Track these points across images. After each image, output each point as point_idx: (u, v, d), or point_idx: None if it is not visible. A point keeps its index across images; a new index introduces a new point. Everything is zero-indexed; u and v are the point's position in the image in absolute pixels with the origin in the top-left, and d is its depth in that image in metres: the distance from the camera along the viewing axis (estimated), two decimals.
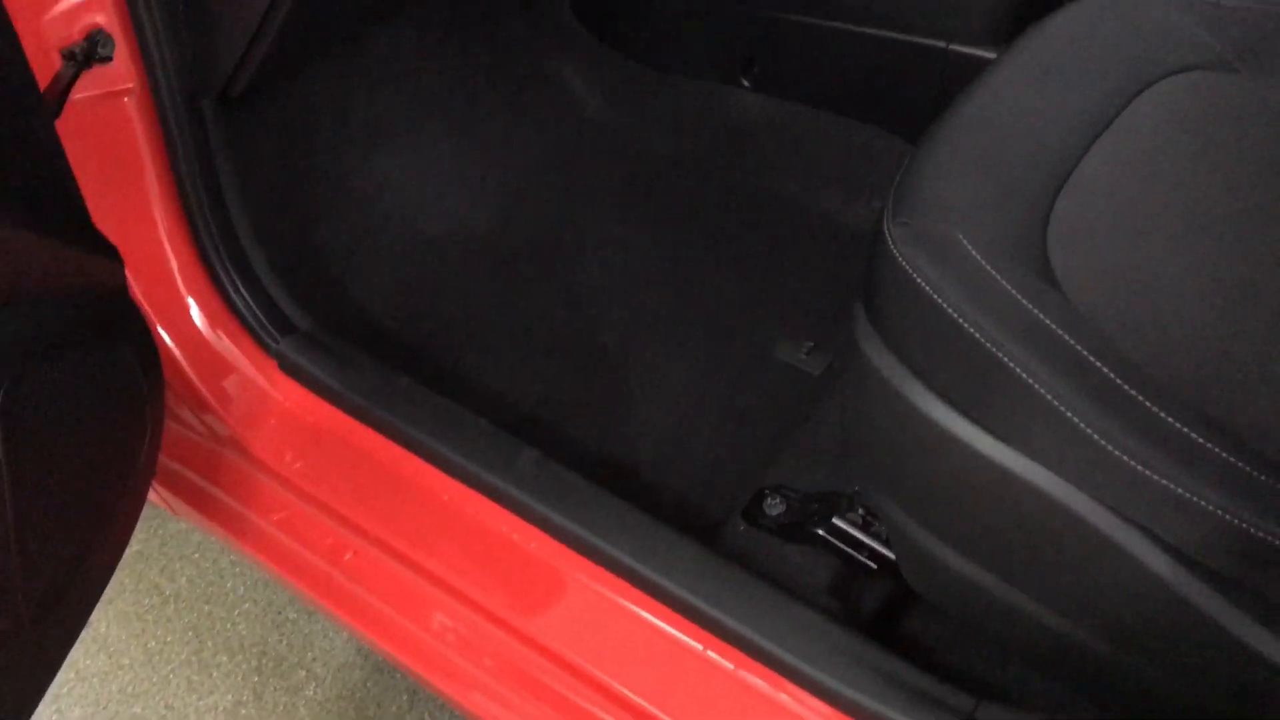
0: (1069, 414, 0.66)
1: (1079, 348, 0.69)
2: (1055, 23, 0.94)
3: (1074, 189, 0.81)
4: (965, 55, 1.19)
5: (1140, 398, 0.67)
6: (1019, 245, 0.76)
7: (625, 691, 0.88)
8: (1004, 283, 0.72)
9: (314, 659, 1.33)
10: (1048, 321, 0.70)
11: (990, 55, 1.17)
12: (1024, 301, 0.71)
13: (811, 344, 1.18)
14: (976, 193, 0.79)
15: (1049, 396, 0.67)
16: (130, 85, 0.91)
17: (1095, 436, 0.66)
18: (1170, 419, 0.66)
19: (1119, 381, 0.68)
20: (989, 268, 0.74)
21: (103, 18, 0.87)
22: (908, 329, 0.76)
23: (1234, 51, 0.91)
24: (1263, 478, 0.64)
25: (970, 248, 0.74)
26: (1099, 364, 0.69)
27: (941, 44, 1.20)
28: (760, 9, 1.29)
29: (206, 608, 1.38)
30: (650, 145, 1.41)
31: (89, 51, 0.88)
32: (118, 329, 0.87)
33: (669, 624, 0.88)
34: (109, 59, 0.89)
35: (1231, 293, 0.76)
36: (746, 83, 1.37)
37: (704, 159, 1.39)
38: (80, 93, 0.89)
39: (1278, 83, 0.90)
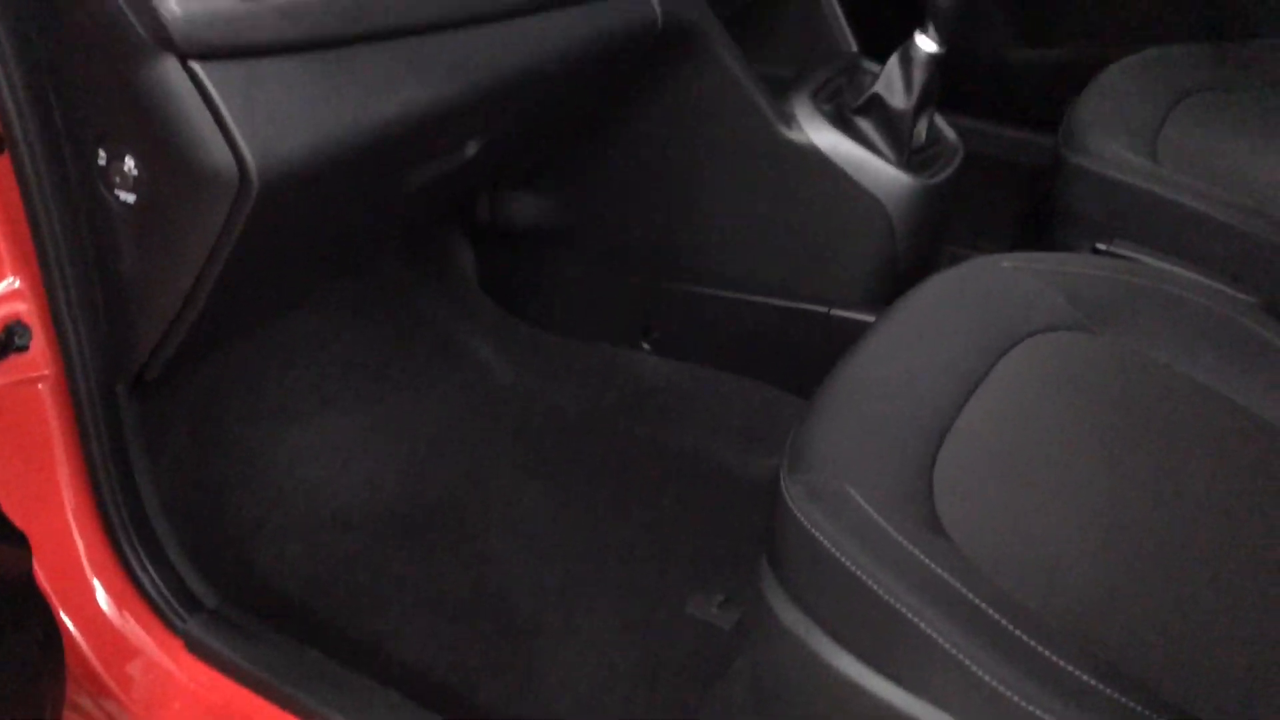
0: (969, 663, 0.69)
1: (973, 596, 0.73)
2: (926, 289, 1.03)
3: (954, 442, 0.87)
4: (846, 319, 1.28)
5: (1034, 643, 0.70)
6: (908, 497, 0.81)
7: None
8: (896, 535, 0.76)
9: None
10: (941, 572, 0.74)
11: (868, 318, 1.27)
12: (917, 553, 0.75)
13: (723, 597, 1.20)
14: (865, 448, 0.85)
15: (948, 646, 0.70)
16: (45, 372, 0.93)
17: (996, 684, 0.68)
18: (1064, 663, 0.69)
19: (1013, 628, 0.71)
20: (881, 520, 0.78)
21: (23, 307, 0.91)
22: (811, 582, 0.79)
23: (1086, 314, 1.01)
24: (1157, 718, 0.67)
25: (862, 501, 0.79)
26: (993, 612, 0.72)
27: (823, 309, 1.29)
28: (655, 280, 1.38)
29: None
30: (557, 409, 1.46)
31: (5, 343, 0.90)
32: (18, 617, 0.86)
33: None
34: (25, 348, 0.92)
35: (1109, 534, 0.82)
36: (647, 346, 1.44)
37: (609, 420, 1.44)
38: None
39: (1124, 341, 0.99)
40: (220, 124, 0.76)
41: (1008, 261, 1.06)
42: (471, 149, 1.01)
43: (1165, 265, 1.19)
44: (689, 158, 1.27)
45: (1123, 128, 1.36)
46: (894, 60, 1.20)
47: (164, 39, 0.73)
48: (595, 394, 1.47)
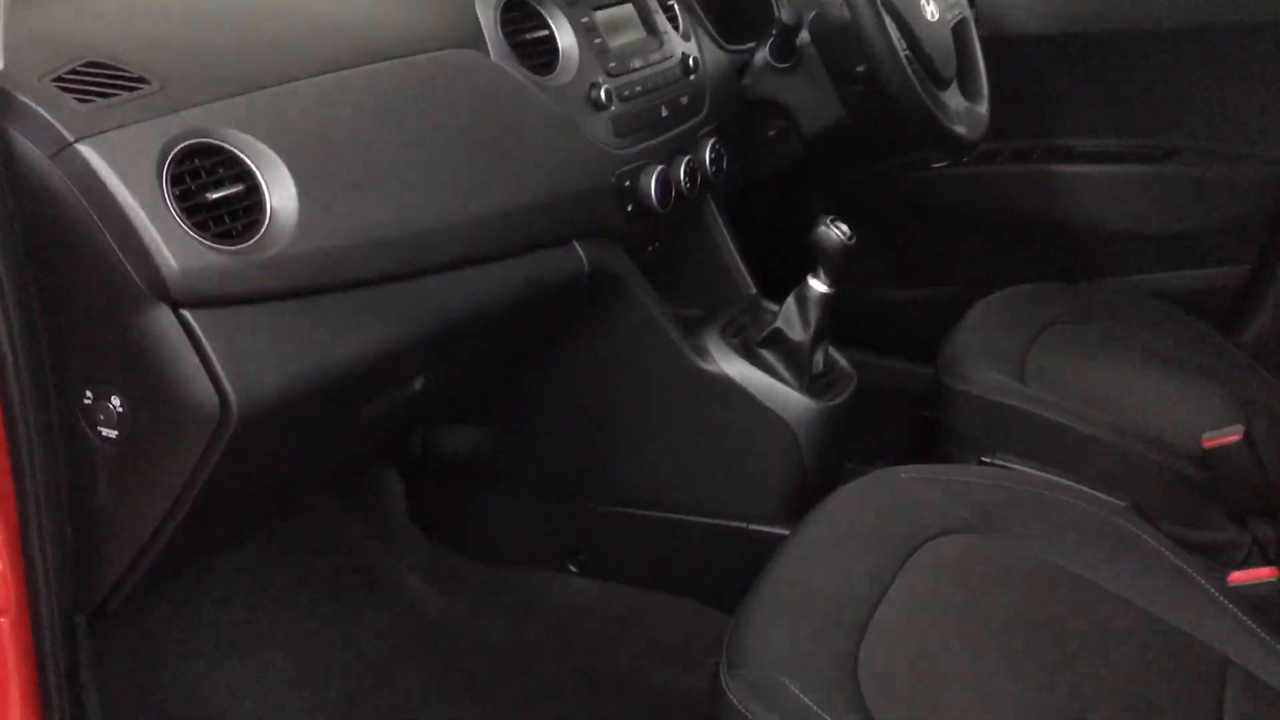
0: None
1: None
2: (837, 499, 1.14)
3: (874, 637, 0.96)
4: (762, 532, 1.38)
5: None
6: (838, 688, 0.89)
7: None
8: None
9: None
10: None
11: (784, 531, 1.36)
12: None
13: None
14: (796, 645, 0.93)
15: None
16: (7, 608, 0.96)
17: None
18: None
19: None
20: (817, 710, 0.85)
21: None
22: None
23: (978, 518, 1.12)
24: None
25: (798, 692, 0.86)
26: None
27: (742, 524, 1.39)
28: (582, 504, 1.47)
29: None
30: (488, 637, 1.50)
31: None
32: None
33: None
34: None
35: (1018, 713, 0.90)
36: (575, 569, 1.50)
37: (540, 645, 1.48)
38: None
39: (1014, 543, 1.10)
40: (206, 365, 0.85)
41: (906, 473, 1.18)
42: (418, 384, 1.11)
43: (1043, 474, 1.32)
44: (612, 389, 1.39)
45: (994, 356, 1.52)
46: (791, 300, 1.35)
47: (161, 291, 0.83)
48: (525, 621, 1.51)
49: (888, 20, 1.38)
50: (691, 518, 1.41)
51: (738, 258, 1.53)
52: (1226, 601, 1.08)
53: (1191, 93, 1.77)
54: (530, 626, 1.51)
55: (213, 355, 0.84)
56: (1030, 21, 1.80)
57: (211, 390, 0.85)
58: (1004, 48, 1.73)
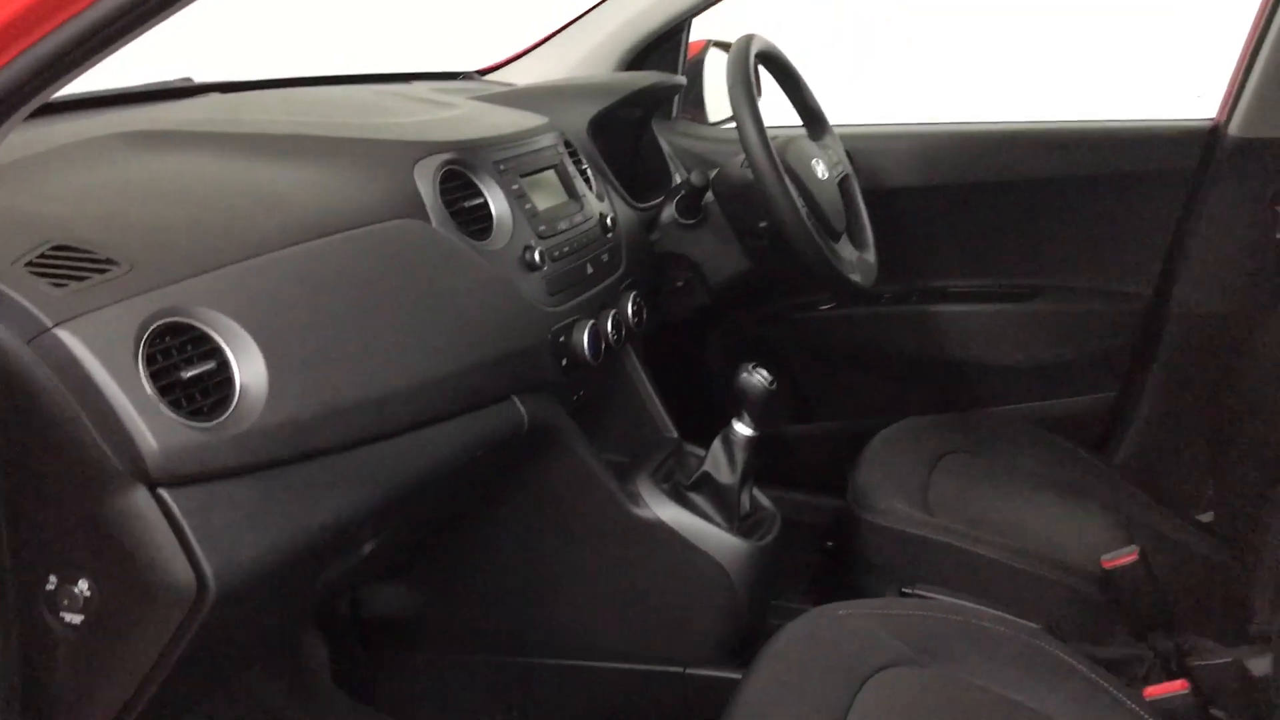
0: None
1: None
2: (781, 643, 1.17)
3: None
4: (700, 675, 1.40)
5: None
6: None
7: None
8: None
9: None
10: None
11: (722, 674, 1.39)
12: None
13: None
14: None
15: None
16: None
17: None
18: None
19: None
20: None
21: None
22: None
23: (914, 649, 1.18)
24: None
25: None
26: None
27: (679, 669, 1.41)
28: (514, 658, 1.46)
29: None
30: None
31: None
32: None
33: None
34: None
35: None
36: None
37: None
38: None
39: (948, 671, 1.16)
40: (183, 543, 0.84)
41: (844, 610, 1.23)
42: (368, 548, 1.11)
43: (962, 602, 1.39)
44: (547, 539, 1.40)
45: (899, 487, 1.61)
46: (717, 444, 1.41)
47: (140, 472, 0.82)
48: None
49: (787, 180, 1.49)
50: (628, 665, 1.42)
51: (658, 402, 1.58)
52: (1148, 717, 1.15)
53: (1051, 236, 1.94)
54: None
55: (190, 534, 0.84)
56: (902, 175, 1.95)
57: (188, 569, 0.84)
58: (881, 200, 1.87)
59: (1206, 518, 1.85)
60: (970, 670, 1.17)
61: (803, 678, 1.12)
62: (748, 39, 1.56)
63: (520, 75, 1.99)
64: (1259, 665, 1.37)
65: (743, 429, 1.39)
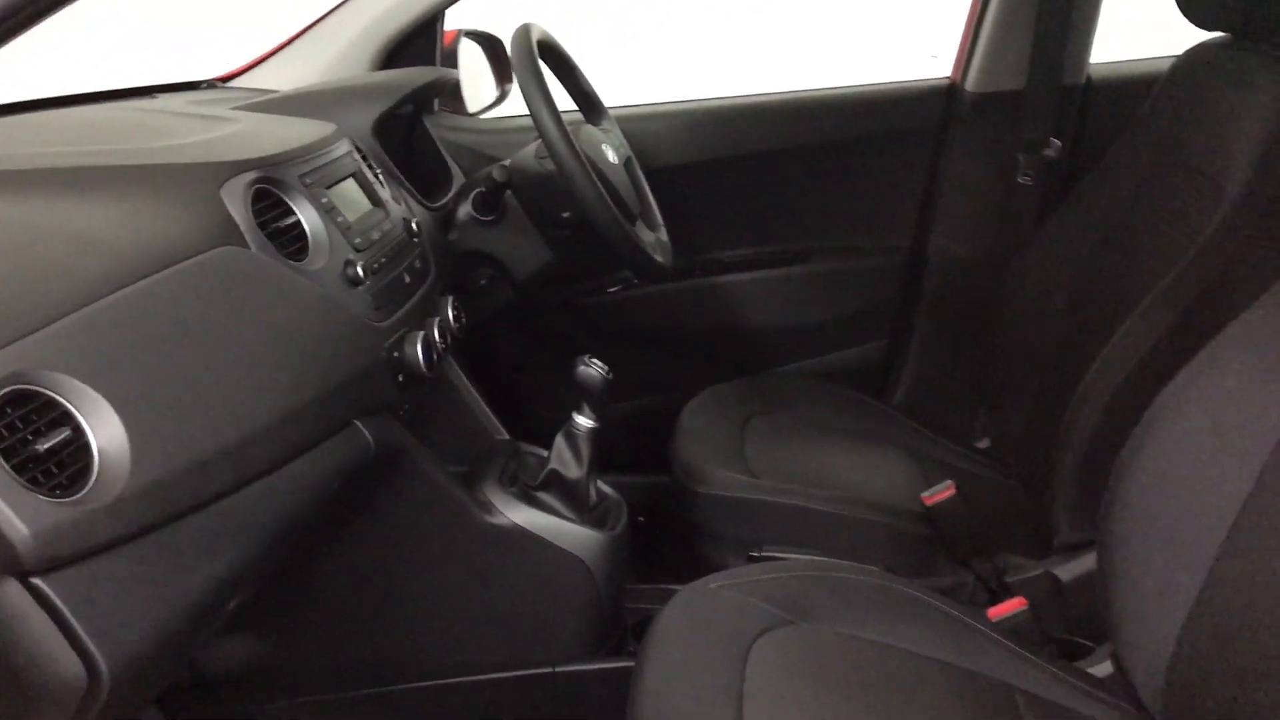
0: None
1: None
2: (664, 623, 1.18)
3: None
4: (569, 672, 1.40)
5: None
6: None
7: None
8: None
9: None
10: None
11: (589, 666, 1.39)
12: None
13: None
14: None
15: None
16: None
17: None
18: None
19: None
20: None
21: None
22: None
23: (785, 611, 1.22)
24: None
25: None
26: None
27: (548, 669, 1.40)
28: (375, 689, 1.40)
29: None
30: None
31: None
32: None
33: None
34: None
35: None
36: None
37: None
38: None
39: (821, 625, 1.21)
40: (67, 632, 0.76)
41: (714, 583, 1.26)
42: (234, 603, 1.03)
43: (814, 558, 1.46)
44: (401, 562, 1.35)
45: (720, 456, 1.66)
46: (560, 440, 1.40)
47: (10, 561, 0.73)
48: None
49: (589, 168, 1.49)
50: (496, 675, 1.40)
51: (484, 406, 1.55)
52: (997, 636, 1.25)
53: (815, 199, 2.04)
54: None
55: (74, 622, 0.76)
56: (669, 153, 2.00)
57: (77, 660, 0.76)
58: (652, 179, 1.91)
59: (983, 444, 2.02)
60: (840, 622, 1.23)
61: (692, 655, 1.14)
62: (526, 28, 1.54)
63: (268, 80, 1.88)
64: (1066, 572, 1.52)
65: (585, 421, 1.39)
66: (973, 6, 1.95)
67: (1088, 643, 1.44)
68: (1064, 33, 1.86)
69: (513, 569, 1.37)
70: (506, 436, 1.56)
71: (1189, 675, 1.07)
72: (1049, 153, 1.93)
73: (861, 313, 2.09)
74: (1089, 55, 1.94)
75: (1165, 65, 1.67)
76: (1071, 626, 1.47)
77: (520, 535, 1.35)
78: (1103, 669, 1.30)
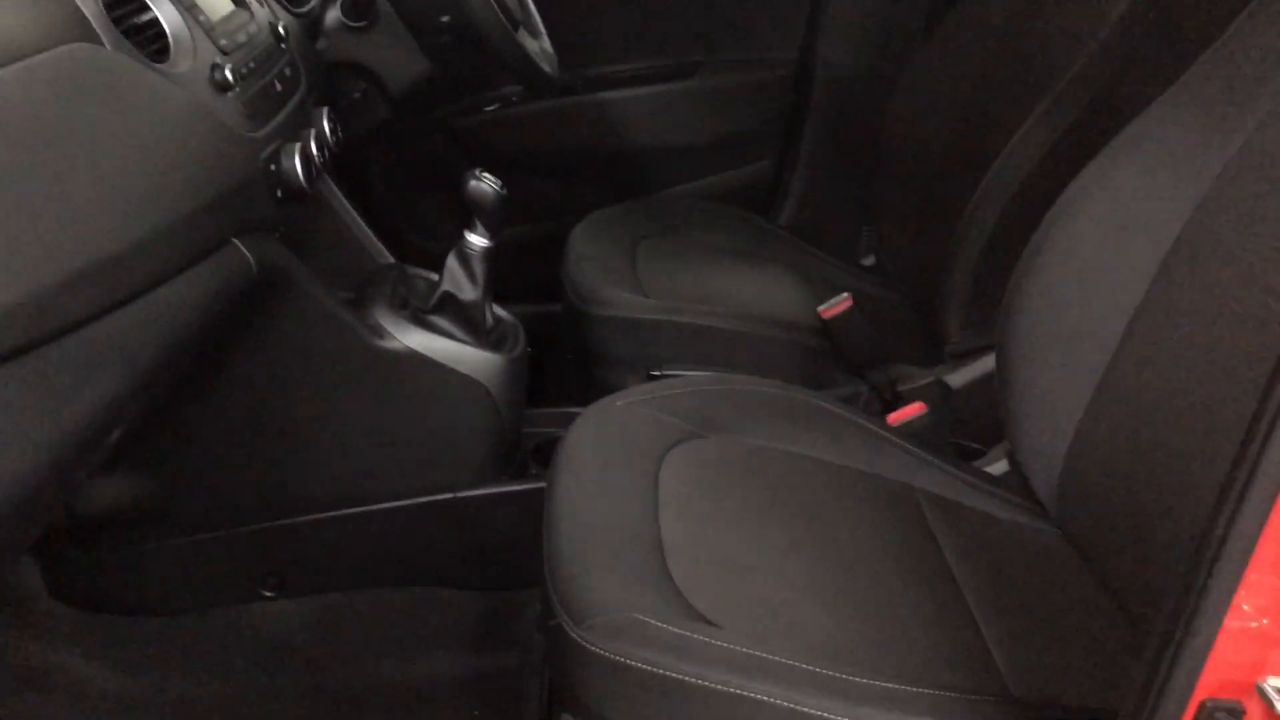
0: (802, 707, 0.83)
1: (778, 658, 0.87)
2: (572, 442, 1.16)
3: (671, 552, 1.01)
4: (471, 497, 1.37)
5: (843, 675, 0.86)
6: (677, 607, 0.93)
7: None
8: (699, 638, 0.88)
9: None
10: (743, 649, 0.88)
11: (492, 490, 1.37)
12: (722, 643, 0.88)
13: None
14: (624, 581, 0.96)
15: (785, 703, 0.83)
16: None
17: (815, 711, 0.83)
18: (863, 679, 0.86)
19: (822, 670, 0.87)
20: (676, 630, 0.89)
21: None
22: (639, 713, 0.87)
23: (693, 424, 1.21)
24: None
25: (657, 623, 0.89)
26: (796, 662, 0.87)
27: (449, 495, 1.37)
28: (267, 523, 1.35)
29: None
30: (185, 700, 1.35)
31: None
32: None
33: None
34: None
35: (815, 579, 1.01)
36: (270, 594, 1.39)
37: (246, 694, 1.35)
38: None
39: (731, 437, 1.21)
40: None
41: (620, 400, 1.23)
42: (115, 436, 0.96)
43: (708, 373, 1.44)
44: (289, 391, 1.28)
45: (613, 278, 1.62)
46: (453, 260, 1.33)
47: None
48: (222, 672, 1.37)
49: None
50: (395, 503, 1.36)
51: (366, 228, 1.46)
52: (898, 440, 1.27)
53: (701, 9, 1.96)
54: (229, 677, 1.37)
55: None
56: None
57: None
58: None
59: (868, 262, 2.03)
60: (748, 432, 1.23)
61: (604, 472, 1.13)
62: None
63: None
64: (955, 379, 1.55)
65: (478, 240, 1.33)
66: None
67: (978, 446, 1.47)
68: None
69: (408, 395, 1.31)
70: (391, 260, 1.48)
71: (1085, 464, 1.11)
72: None
73: (749, 131, 2.05)
74: None
75: None
76: (962, 431, 1.51)
77: (415, 360, 1.29)
78: (998, 468, 1.33)
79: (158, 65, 1.04)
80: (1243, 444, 0.64)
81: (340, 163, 1.55)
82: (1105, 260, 1.12)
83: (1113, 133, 1.16)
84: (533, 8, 1.68)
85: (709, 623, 0.93)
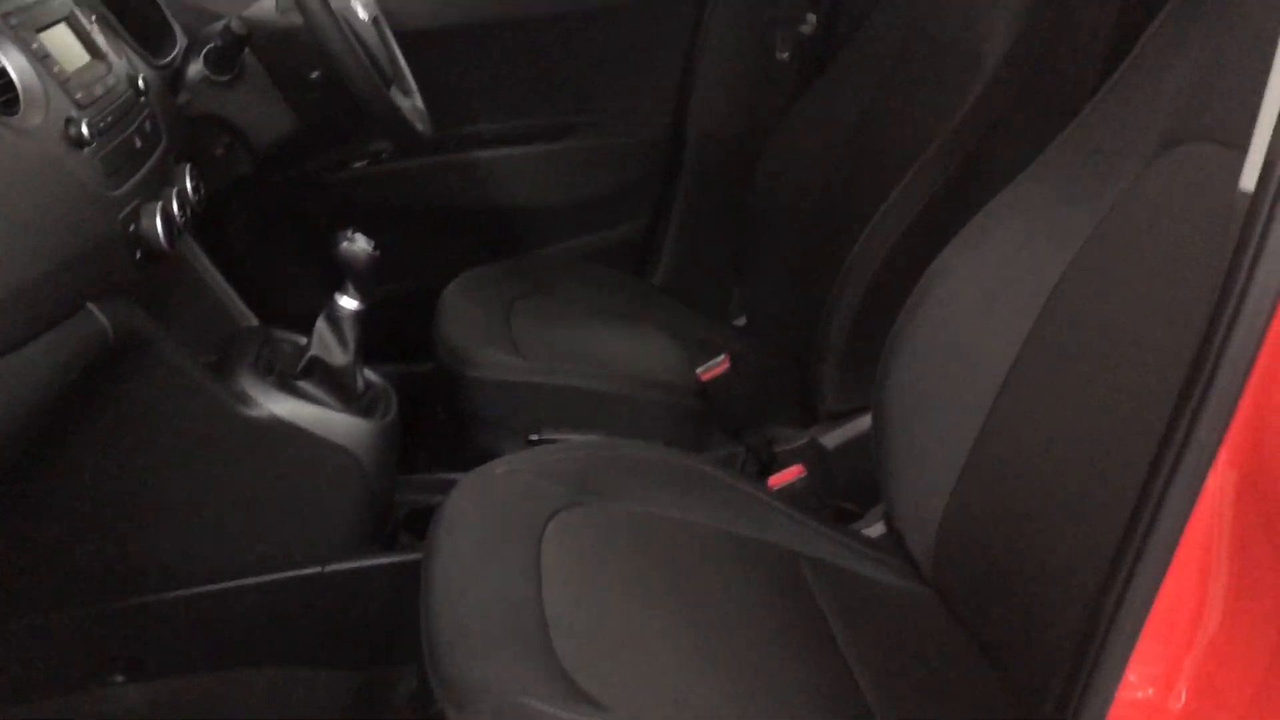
0: None
1: None
2: (451, 511, 1.12)
3: (555, 628, 0.98)
4: (341, 570, 1.31)
5: None
6: (564, 690, 0.90)
7: None
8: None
9: None
10: None
11: (357, 564, 1.32)
12: None
13: None
14: (510, 662, 0.92)
15: None
16: None
17: None
18: None
19: None
20: (566, 714, 0.86)
21: None
22: None
23: (573, 491, 1.19)
24: None
25: (544, 707, 0.86)
26: None
27: (317, 568, 1.30)
28: (119, 601, 1.26)
29: None
30: None
31: None
32: None
33: None
34: None
35: (701, 651, 0.99)
36: (121, 678, 1.30)
37: None
38: None
39: (611, 505, 1.18)
40: None
41: (499, 468, 1.20)
42: None
43: (587, 437, 1.42)
44: (150, 462, 1.21)
45: (487, 339, 1.59)
46: (322, 322, 1.28)
47: None
48: None
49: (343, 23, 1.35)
50: (259, 578, 1.29)
51: (229, 288, 1.40)
52: (780, 505, 1.27)
53: (575, 71, 1.96)
54: None
55: None
56: (424, 15, 1.85)
57: None
58: (403, 43, 1.77)
59: (740, 322, 2.05)
60: (629, 499, 1.21)
61: (483, 544, 1.09)
62: None
63: None
64: (831, 439, 1.57)
65: (349, 302, 1.28)
66: None
67: (855, 508, 1.49)
68: None
69: (274, 465, 1.25)
70: (256, 322, 1.42)
71: (960, 528, 1.12)
72: (805, 29, 1.93)
73: (622, 191, 2.05)
74: None
75: None
76: (838, 493, 1.52)
77: (281, 428, 1.24)
78: (875, 530, 1.35)
79: (6, 118, 0.98)
80: (1131, 519, 0.65)
81: (202, 219, 1.49)
82: (977, 325, 1.15)
83: (984, 195, 1.20)
84: (404, 65, 1.65)
85: (596, 704, 0.90)
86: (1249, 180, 0.64)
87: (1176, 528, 0.63)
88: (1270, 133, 0.64)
